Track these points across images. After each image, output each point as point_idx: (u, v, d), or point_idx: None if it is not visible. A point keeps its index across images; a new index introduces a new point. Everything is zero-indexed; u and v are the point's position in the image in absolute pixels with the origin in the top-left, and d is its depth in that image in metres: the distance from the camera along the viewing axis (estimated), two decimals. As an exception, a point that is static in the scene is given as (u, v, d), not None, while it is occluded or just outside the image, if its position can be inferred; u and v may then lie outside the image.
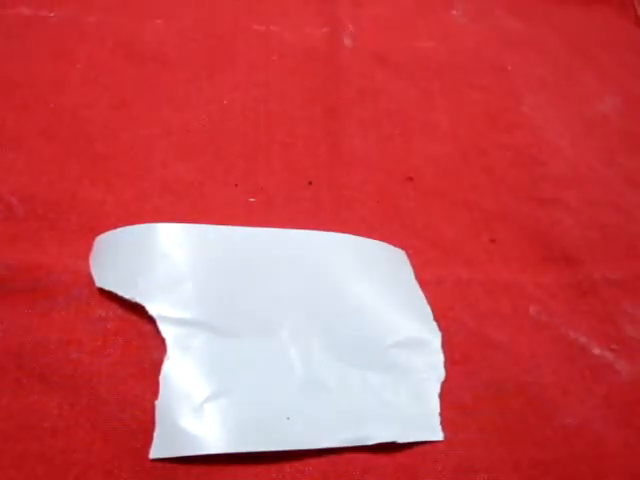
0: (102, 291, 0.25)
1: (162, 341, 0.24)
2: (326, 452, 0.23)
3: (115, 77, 0.32)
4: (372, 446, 0.23)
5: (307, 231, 0.28)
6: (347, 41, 0.36)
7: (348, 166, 0.31)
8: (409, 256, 0.29)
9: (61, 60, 0.32)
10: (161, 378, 0.23)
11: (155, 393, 0.23)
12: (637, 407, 0.25)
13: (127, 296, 0.24)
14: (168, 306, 0.24)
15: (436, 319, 0.27)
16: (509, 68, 0.37)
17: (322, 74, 0.34)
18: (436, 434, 0.24)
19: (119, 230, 0.27)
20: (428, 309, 0.27)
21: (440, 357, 0.26)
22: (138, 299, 0.24)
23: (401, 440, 0.23)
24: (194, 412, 0.22)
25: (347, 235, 0.28)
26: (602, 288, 0.29)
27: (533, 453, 0.24)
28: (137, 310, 0.24)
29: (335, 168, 0.31)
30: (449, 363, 0.26)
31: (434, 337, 0.26)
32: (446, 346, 0.26)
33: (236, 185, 0.30)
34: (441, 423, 0.24)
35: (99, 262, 0.26)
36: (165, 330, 0.24)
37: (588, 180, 0.33)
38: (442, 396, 0.25)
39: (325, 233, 0.28)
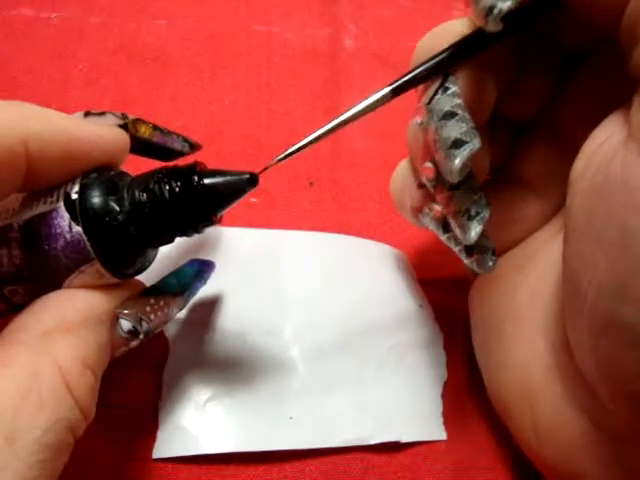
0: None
1: (164, 341, 0.24)
2: (327, 452, 0.23)
3: (117, 78, 0.32)
4: (372, 446, 0.23)
5: (308, 232, 0.28)
6: (348, 42, 0.36)
7: (349, 167, 0.32)
8: (410, 257, 0.29)
9: (63, 61, 0.32)
10: (164, 378, 0.23)
11: (157, 393, 0.23)
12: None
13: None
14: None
15: (437, 319, 0.27)
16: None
17: (323, 75, 0.34)
18: (439, 434, 0.24)
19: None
20: (430, 310, 0.27)
21: (442, 357, 0.26)
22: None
23: (404, 440, 0.23)
24: (197, 412, 0.22)
25: (348, 236, 0.29)
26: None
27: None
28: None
29: (336, 169, 0.31)
30: (451, 363, 0.26)
31: (436, 337, 0.26)
32: (448, 346, 0.26)
33: (237, 186, 0.30)
34: (443, 423, 0.24)
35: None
36: (168, 330, 0.24)
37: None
38: (444, 396, 0.25)
39: (326, 234, 0.28)
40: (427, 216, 0.21)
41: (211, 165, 0.30)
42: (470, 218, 0.18)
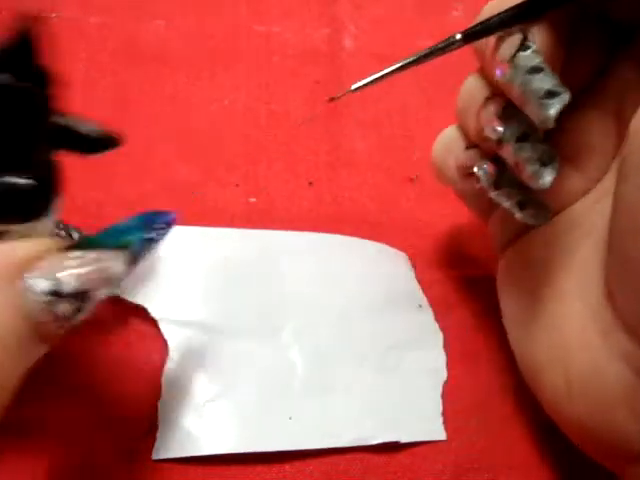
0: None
1: (164, 343, 0.24)
2: (327, 452, 0.23)
3: (116, 78, 0.32)
4: (372, 446, 0.23)
5: (308, 233, 0.28)
6: (348, 42, 0.36)
7: (349, 167, 0.32)
8: (410, 256, 0.29)
9: (62, 61, 0.32)
10: (163, 379, 0.23)
11: (156, 395, 0.23)
12: None
13: (129, 298, 0.24)
14: (170, 308, 0.24)
15: (437, 319, 0.27)
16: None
17: (323, 75, 0.34)
18: (439, 434, 0.24)
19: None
20: (429, 310, 0.27)
21: (441, 357, 0.26)
22: (140, 301, 0.24)
23: (404, 440, 0.23)
24: (196, 413, 0.22)
25: (348, 237, 0.29)
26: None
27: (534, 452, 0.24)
28: (138, 312, 0.24)
29: (336, 169, 0.31)
30: (450, 363, 0.26)
31: (435, 337, 0.26)
32: (447, 346, 0.26)
33: (237, 185, 0.30)
34: (443, 423, 0.24)
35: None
36: (167, 331, 0.24)
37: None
38: (444, 396, 0.25)
39: (325, 234, 0.28)
40: (481, 170, 0.22)
41: (210, 166, 0.30)
42: (544, 164, 0.20)
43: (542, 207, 0.21)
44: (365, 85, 0.21)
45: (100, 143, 0.20)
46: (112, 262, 0.16)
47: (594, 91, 0.22)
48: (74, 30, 0.33)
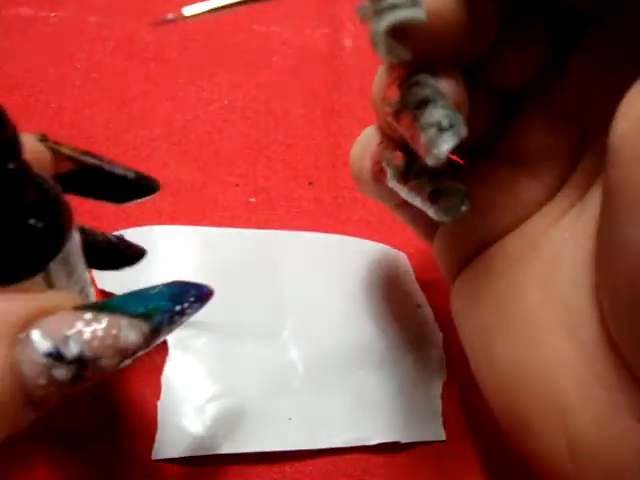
0: (102, 294, 0.25)
1: (164, 343, 0.24)
2: (327, 452, 0.23)
3: (116, 77, 0.32)
4: (372, 446, 0.23)
5: (307, 232, 0.28)
6: (347, 41, 0.36)
7: (349, 167, 0.31)
8: (409, 256, 0.29)
9: (62, 60, 0.32)
10: (163, 379, 0.23)
11: (156, 395, 0.23)
12: None
13: (129, 297, 0.24)
14: (170, 307, 0.24)
15: (437, 319, 0.27)
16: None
17: (323, 74, 0.34)
18: (439, 434, 0.24)
19: (121, 233, 0.27)
20: (429, 310, 0.27)
21: (441, 357, 0.26)
22: (140, 300, 0.24)
23: (403, 440, 0.23)
24: (196, 413, 0.22)
25: (348, 237, 0.29)
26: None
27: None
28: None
29: (336, 168, 0.31)
30: (450, 363, 0.26)
31: (435, 337, 0.26)
32: (447, 346, 0.26)
33: (237, 185, 0.30)
34: (443, 423, 0.24)
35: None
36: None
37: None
38: (443, 396, 0.25)
39: (325, 234, 0.28)
40: (388, 163, 0.19)
41: (210, 166, 0.30)
42: (442, 130, 0.15)
43: (459, 197, 0.17)
44: (204, 13, 0.16)
45: (136, 188, 0.18)
46: (127, 331, 0.14)
47: (547, 85, 0.18)
48: (73, 30, 0.33)
